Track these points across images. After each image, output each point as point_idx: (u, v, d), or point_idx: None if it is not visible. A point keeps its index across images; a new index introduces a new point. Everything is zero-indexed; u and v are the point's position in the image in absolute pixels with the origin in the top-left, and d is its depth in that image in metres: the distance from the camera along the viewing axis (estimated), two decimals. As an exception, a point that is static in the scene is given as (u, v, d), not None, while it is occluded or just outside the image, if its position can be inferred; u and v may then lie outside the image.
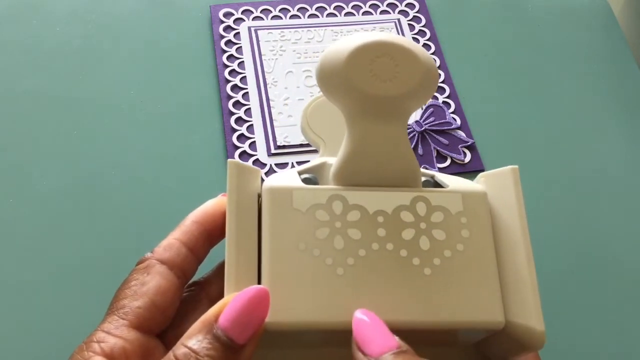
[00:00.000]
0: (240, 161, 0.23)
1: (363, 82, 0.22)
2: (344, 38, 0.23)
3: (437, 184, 0.26)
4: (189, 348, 0.20)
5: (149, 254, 0.25)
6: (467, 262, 0.23)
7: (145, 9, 0.48)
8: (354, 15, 0.49)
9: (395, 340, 0.21)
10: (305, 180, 0.24)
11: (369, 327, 0.21)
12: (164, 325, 0.24)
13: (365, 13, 0.49)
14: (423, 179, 0.26)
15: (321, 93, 0.29)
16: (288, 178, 0.24)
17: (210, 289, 0.26)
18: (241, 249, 0.22)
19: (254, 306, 0.20)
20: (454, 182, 0.25)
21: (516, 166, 0.25)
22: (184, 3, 0.48)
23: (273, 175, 0.24)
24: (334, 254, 0.22)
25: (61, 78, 0.43)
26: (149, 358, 0.23)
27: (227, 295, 0.21)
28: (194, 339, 0.21)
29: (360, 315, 0.21)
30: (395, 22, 0.49)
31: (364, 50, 0.22)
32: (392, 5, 0.50)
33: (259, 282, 0.22)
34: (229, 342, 0.20)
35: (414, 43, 0.23)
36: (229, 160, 0.23)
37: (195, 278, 0.27)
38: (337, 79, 0.23)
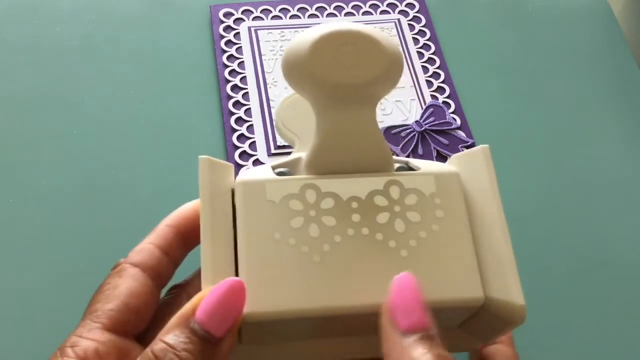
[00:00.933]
0: (212, 157, 0.23)
1: (327, 71, 0.22)
2: (308, 29, 0.23)
3: (411, 169, 0.26)
4: (166, 343, 0.20)
5: (122, 260, 0.25)
6: (443, 241, 0.23)
7: (145, 9, 0.48)
8: (354, 15, 0.49)
9: (429, 320, 0.20)
10: (279, 174, 0.25)
11: (409, 295, 0.21)
12: (139, 327, 0.24)
13: (365, 13, 0.49)
14: (397, 165, 0.26)
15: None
16: (261, 172, 0.24)
17: (192, 291, 0.26)
18: (216, 243, 0.22)
19: (230, 298, 0.20)
20: (426, 165, 0.25)
21: (486, 145, 0.25)
22: (184, 3, 0.48)
23: (246, 170, 0.24)
24: (309, 242, 0.22)
25: (61, 78, 0.43)
26: (125, 359, 0.23)
27: (204, 289, 0.21)
28: (171, 334, 0.20)
29: (402, 279, 0.21)
30: (395, 22, 0.49)
31: (326, 40, 0.22)
32: (392, 5, 0.50)
33: (237, 275, 0.22)
34: (206, 336, 0.20)
35: (379, 31, 0.24)
36: (200, 157, 0.23)
37: (177, 282, 0.27)
38: (301, 69, 0.23)
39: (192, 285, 0.27)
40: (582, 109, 0.47)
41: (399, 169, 0.26)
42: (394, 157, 0.26)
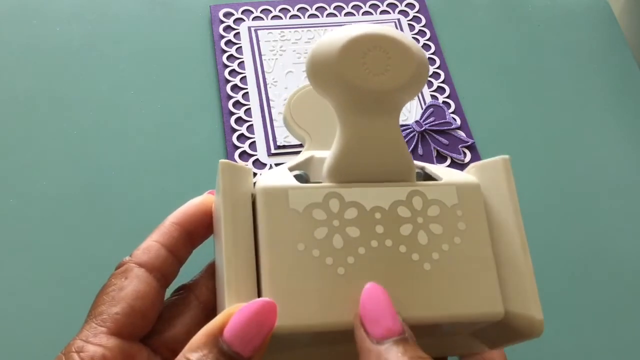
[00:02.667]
0: (232, 161, 0.23)
1: (356, 76, 0.22)
2: (335, 30, 0.23)
3: (428, 176, 0.26)
4: None
5: (127, 258, 0.25)
6: (465, 255, 0.23)
7: (145, 9, 0.48)
8: (354, 15, 0.49)
9: (400, 325, 0.20)
10: (297, 177, 0.24)
11: (377, 305, 0.21)
12: (145, 329, 0.24)
13: (365, 13, 0.49)
14: (415, 171, 0.25)
15: (306, 84, 0.28)
16: (281, 176, 0.23)
17: (200, 292, 0.26)
18: (240, 255, 0.22)
19: (261, 319, 0.20)
20: (446, 174, 0.25)
21: (507, 156, 0.25)
22: (184, 3, 0.48)
23: (265, 174, 0.24)
24: (333, 254, 0.22)
25: (61, 78, 0.43)
26: None
27: (229, 304, 0.21)
28: (198, 353, 0.20)
29: (370, 290, 0.21)
30: (395, 22, 0.49)
31: (356, 43, 0.22)
32: (392, 5, 0.50)
33: (259, 286, 0.22)
34: (235, 356, 0.20)
35: (405, 35, 0.23)
36: (220, 161, 0.23)
37: (183, 281, 0.27)
38: (329, 73, 0.22)
39: (200, 285, 0.26)
40: (582, 108, 0.47)
41: (416, 175, 0.25)
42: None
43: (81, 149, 0.40)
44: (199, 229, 0.26)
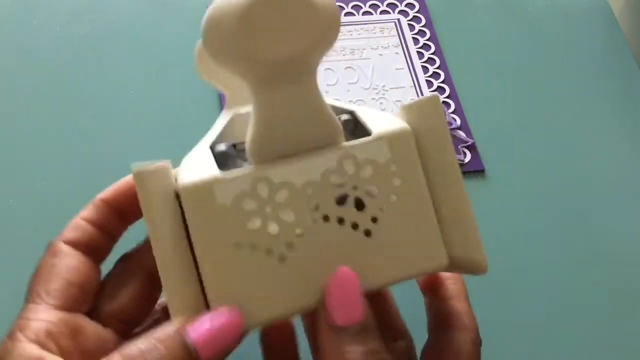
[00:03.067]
0: (143, 164, 0.21)
1: (259, 47, 0.20)
2: None
3: (358, 123, 0.24)
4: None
5: (55, 238, 0.24)
6: (403, 211, 0.22)
7: (145, 9, 0.48)
8: (354, 15, 0.49)
9: (364, 314, 0.20)
10: (221, 155, 0.23)
11: (345, 292, 0.21)
12: (87, 302, 0.24)
13: (365, 13, 0.49)
14: (344, 117, 0.24)
15: None
16: (203, 163, 0.22)
17: (143, 260, 0.25)
18: (174, 263, 0.21)
19: (230, 331, 0.20)
20: (375, 123, 0.23)
21: (436, 94, 0.25)
22: (184, 3, 0.48)
23: (186, 164, 0.22)
24: (271, 242, 0.21)
25: (61, 78, 0.43)
26: (79, 336, 0.22)
27: (176, 318, 0.21)
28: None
29: (339, 276, 0.21)
30: (395, 22, 0.49)
31: (254, 10, 0.20)
32: (392, 5, 0.50)
33: (203, 289, 0.21)
34: (194, 354, 0.20)
35: None
36: (133, 170, 0.21)
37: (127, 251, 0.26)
38: (231, 48, 0.20)
39: (141, 254, 0.25)
40: (582, 108, 0.47)
41: (345, 122, 0.24)
42: (338, 104, 0.25)
43: (81, 148, 0.40)
44: (130, 207, 0.25)
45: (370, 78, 0.46)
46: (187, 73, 0.45)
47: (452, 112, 0.45)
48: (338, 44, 0.47)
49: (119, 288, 0.25)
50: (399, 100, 0.45)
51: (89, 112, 0.42)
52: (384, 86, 0.45)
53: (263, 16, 0.20)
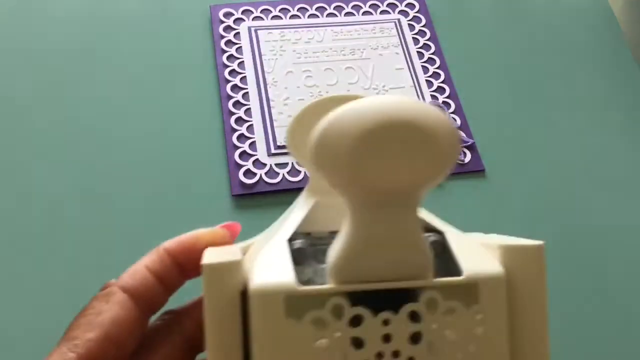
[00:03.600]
0: (217, 259, 0.21)
1: (372, 176, 0.19)
2: (346, 111, 0.19)
3: (446, 247, 0.23)
4: None
5: (112, 281, 0.24)
6: None
7: (145, 9, 0.48)
8: (354, 15, 0.49)
9: None
10: (297, 252, 0.22)
11: None
12: (120, 357, 0.23)
13: (365, 13, 0.49)
14: (432, 237, 0.23)
15: (308, 103, 0.26)
16: (279, 266, 0.21)
17: (185, 322, 0.24)
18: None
19: None
20: (467, 256, 0.22)
21: (542, 243, 0.22)
22: (184, 3, 0.48)
23: (261, 262, 0.22)
24: None
25: (61, 78, 0.43)
26: None
27: None
28: None
29: None
30: (395, 22, 0.49)
31: (372, 136, 0.19)
32: (392, 5, 0.50)
33: None
34: None
35: (434, 113, 0.19)
36: (203, 264, 0.20)
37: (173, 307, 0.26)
38: (340, 167, 0.19)
39: (187, 315, 0.25)
40: (582, 108, 0.47)
41: (433, 243, 0.23)
42: (428, 219, 0.24)
43: (81, 149, 0.40)
44: (193, 263, 0.24)
45: (371, 78, 0.46)
46: (187, 73, 0.45)
47: (452, 112, 0.45)
48: (338, 44, 0.47)
49: (154, 344, 0.24)
50: (399, 101, 0.45)
51: (88, 113, 0.42)
52: (384, 86, 0.45)
53: (381, 144, 0.19)
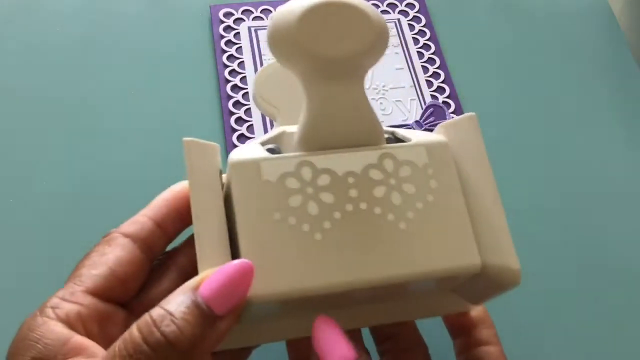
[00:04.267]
0: (197, 139, 0.23)
1: (316, 43, 0.22)
2: (291, 0, 0.23)
3: (399, 140, 0.26)
4: (166, 310, 0.20)
5: (113, 229, 0.25)
6: (439, 211, 0.23)
7: (145, 9, 0.48)
8: (354, 15, 0.49)
9: (353, 351, 0.21)
10: (269, 151, 0.24)
11: (328, 336, 0.21)
12: (125, 296, 0.24)
13: (365, 13, 0.49)
14: (385, 136, 0.26)
15: (272, 61, 0.29)
16: (252, 150, 0.24)
17: (179, 258, 0.26)
18: (210, 224, 0.22)
19: (238, 279, 0.20)
20: (415, 136, 0.25)
21: (473, 113, 0.25)
22: (184, 3, 0.48)
23: (236, 150, 0.24)
24: (309, 220, 0.22)
25: (61, 78, 0.43)
26: (108, 324, 0.23)
27: (202, 269, 0.21)
28: (172, 303, 0.20)
29: (318, 324, 0.21)
30: (395, 22, 0.49)
31: (315, 11, 0.22)
32: (392, 5, 0.50)
33: (234, 257, 0.22)
34: (207, 311, 0.20)
35: (364, 2, 0.24)
36: (184, 140, 0.23)
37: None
38: (290, 41, 0.22)
39: (181, 254, 0.26)
40: (582, 109, 0.47)
41: (386, 140, 0.26)
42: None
43: (81, 148, 0.40)
44: (188, 209, 0.25)
45: (370, 78, 0.46)
46: (187, 73, 0.45)
47: (452, 112, 0.45)
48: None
49: (153, 282, 0.25)
50: (399, 100, 0.45)
51: (88, 112, 0.42)
52: (384, 86, 0.45)
53: (323, 18, 0.22)
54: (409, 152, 0.24)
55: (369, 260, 0.22)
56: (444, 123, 0.26)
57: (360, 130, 0.24)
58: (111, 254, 0.24)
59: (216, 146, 0.24)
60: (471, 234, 0.23)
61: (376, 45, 0.23)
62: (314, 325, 0.21)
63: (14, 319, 0.34)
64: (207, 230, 0.22)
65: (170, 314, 0.20)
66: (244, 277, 0.20)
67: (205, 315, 0.20)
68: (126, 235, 0.25)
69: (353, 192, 0.23)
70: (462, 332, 0.28)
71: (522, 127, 0.45)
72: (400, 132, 0.26)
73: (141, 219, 0.25)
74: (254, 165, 0.23)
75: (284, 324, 0.25)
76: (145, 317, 0.20)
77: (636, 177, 0.44)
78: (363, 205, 0.23)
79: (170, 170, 0.40)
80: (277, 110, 0.29)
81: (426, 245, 0.23)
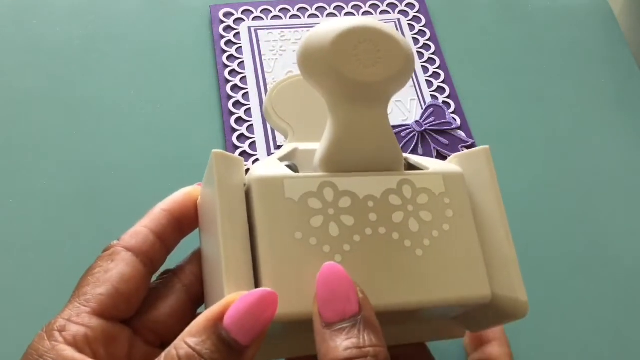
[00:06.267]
0: (224, 152, 0.23)
1: (348, 67, 0.23)
2: (326, 22, 0.23)
3: (412, 166, 0.26)
4: (192, 348, 0.20)
5: (115, 242, 0.25)
6: (453, 241, 0.24)
7: (145, 9, 0.48)
8: (354, 15, 0.49)
9: (355, 307, 0.20)
10: (288, 167, 0.24)
11: (330, 285, 0.21)
12: (128, 312, 0.24)
13: (365, 13, 0.49)
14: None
15: (287, 77, 0.29)
16: (274, 167, 0.24)
17: (184, 276, 0.26)
18: (237, 245, 0.22)
19: (262, 308, 0.20)
20: (431, 164, 0.26)
21: (487, 146, 0.26)
22: (184, 3, 0.48)
23: (257, 165, 0.24)
24: (330, 241, 0.22)
25: (61, 78, 0.43)
26: (113, 344, 0.23)
27: (228, 293, 0.21)
28: (197, 338, 0.20)
29: (325, 270, 0.21)
30: (395, 22, 0.49)
31: (348, 36, 0.23)
32: (392, 5, 0.50)
33: (257, 275, 0.22)
34: (233, 344, 0.20)
35: (393, 29, 0.24)
36: (213, 151, 0.23)
37: (169, 267, 0.27)
38: (321, 64, 0.23)
39: (184, 270, 0.26)
40: (582, 108, 0.47)
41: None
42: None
43: (81, 148, 0.40)
44: (188, 218, 0.26)
45: (370, 78, 0.46)
46: (187, 73, 0.45)
47: (452, 112, 0.45)
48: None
49: (157, 300, 0.25)
50: (399, 100, 0.45)
51: (88, 112, 0.42)
52: (384, 86, 0.45)
53: (355, 42, 0.23)
54: (426, 180, 0.24)
55: (385, 285, 0.22)
56: (457, 154, 0.27)
57: (382, 156, 0.24)
58: (115, 270, 0.24)
59: (240, 160, 0.24)
60: (483, 265, 0.24)
61: (404, 72, 0.24)
62: (320, 270, 0.21)
63: (14, 319, 0.34)
64: (234, 253, 0.22)
65: (198, 352, 0.20)
66: (269, 306, 0.20)
67: (232, 350, 0.20)
68: (128, 249, 0.24)
69: (373, 216, 0.23)
70: (478, 348, 0.28)
71: (522, 126, 0.45)
72: (413, 158, 0.26)
73: (142, 231, 0.25)
74: (277, 182, 0.23)
75: (291, 342, 0.25)
76: (172, 354, 0.20)
77: (637, 175, 0.44)
78: (382, 230, 0.23)
79: (170, 170, 0.40)
80: (289, 127, 0.29)
81: (441, 273, 0.23)
